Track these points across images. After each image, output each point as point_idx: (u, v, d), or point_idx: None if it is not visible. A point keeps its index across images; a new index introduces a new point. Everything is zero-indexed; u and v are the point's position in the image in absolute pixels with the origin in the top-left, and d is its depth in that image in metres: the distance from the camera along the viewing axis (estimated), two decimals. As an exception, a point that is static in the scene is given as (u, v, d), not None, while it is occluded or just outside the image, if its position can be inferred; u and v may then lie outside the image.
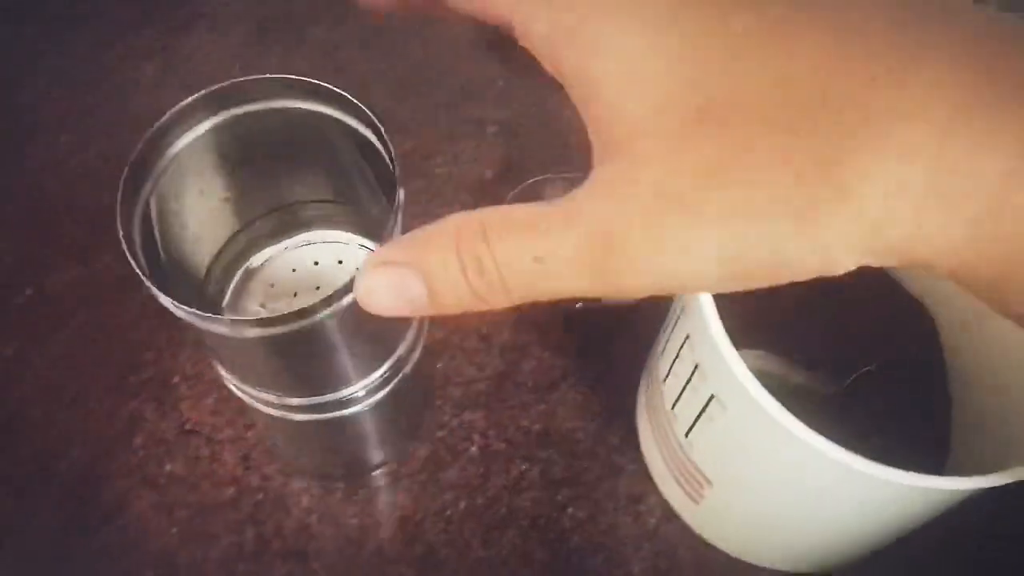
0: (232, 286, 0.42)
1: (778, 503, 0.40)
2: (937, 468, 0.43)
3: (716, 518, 0.45)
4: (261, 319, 0.30)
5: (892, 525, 0.39)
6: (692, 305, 0.37)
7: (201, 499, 0.47)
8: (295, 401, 0.38)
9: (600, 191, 0.21)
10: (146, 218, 0.33)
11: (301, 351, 0.34)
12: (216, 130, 0.35)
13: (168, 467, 0.48)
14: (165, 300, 0.30)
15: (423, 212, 0.55)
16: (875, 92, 0.19)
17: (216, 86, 0.34)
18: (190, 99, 0.33)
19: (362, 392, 0.38)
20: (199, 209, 0.38)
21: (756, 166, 0.20)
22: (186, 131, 0.34)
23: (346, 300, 0.31)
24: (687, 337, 0.38)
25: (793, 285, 0.21)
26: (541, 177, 0.55)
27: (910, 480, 0.32)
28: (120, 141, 0.35)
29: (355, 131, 0.35)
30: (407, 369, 0.40)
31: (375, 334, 0.37)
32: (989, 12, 0.20)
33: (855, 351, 0.46)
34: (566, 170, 0.55)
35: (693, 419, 0.39)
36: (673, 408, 0.41)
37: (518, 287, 0.22)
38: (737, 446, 0.38)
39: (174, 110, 0.33)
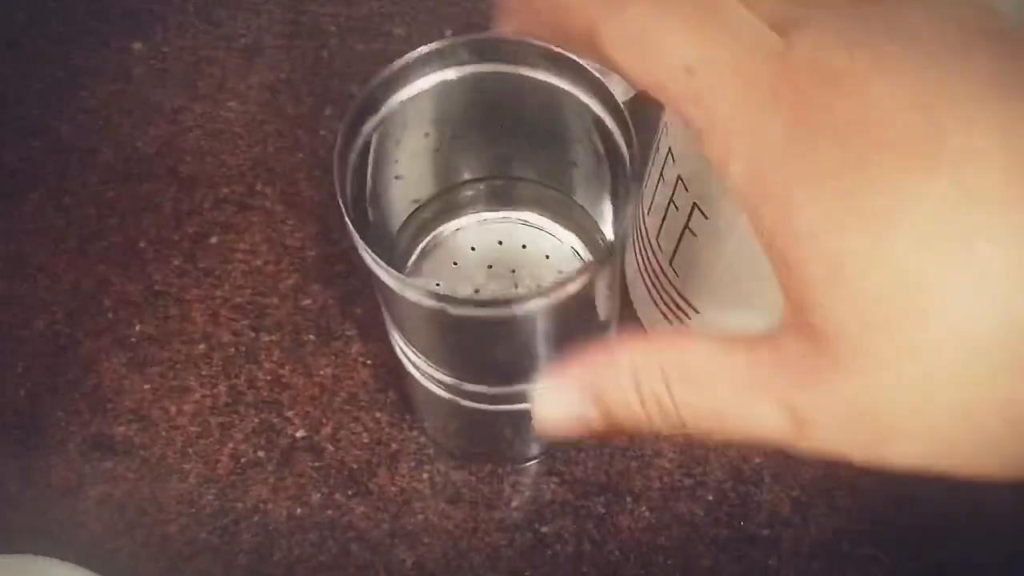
0: (417, 251, 0.41)
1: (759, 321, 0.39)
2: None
3: None
4: (474, 299, 0.30)
5: None
6: (675, 118, 0.36)
7: (172, 356, 0.47)
8: (470, 387, 0.36)
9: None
10: (359, 166, 0.32)
11: (497, 339, 0.33)
12: (446, 84, 0.33)
13: (138, 327, 0.48)
14: (370, 258, 0.29)
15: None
16: None
17: (459, 38, 0.32)
18: (424, 49, 0.32)
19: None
20: (408, 163, 0.37)
21: None
22: (417, 79, 0.33)
23: (565, 292, 0.30)
24: (668, 151, 0.37)
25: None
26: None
27: None
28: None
29: (592, 113, 0.33)
30: None
31: (572, 334, 0.35)
32: None
33: None
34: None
35: (676, 240, 0.38)
36: (658, 238, 0.40)
37: (697, 423, 0.22)
38: (719, 258, 0.37)
39: (410, 56, 0.32)
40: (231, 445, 0.45)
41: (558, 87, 0.33)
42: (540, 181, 0.40)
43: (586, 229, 0.40)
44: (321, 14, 0.56)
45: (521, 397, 0.37)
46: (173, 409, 0.46)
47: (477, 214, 0.42)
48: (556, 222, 0.41)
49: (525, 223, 0.41)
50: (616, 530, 0.44)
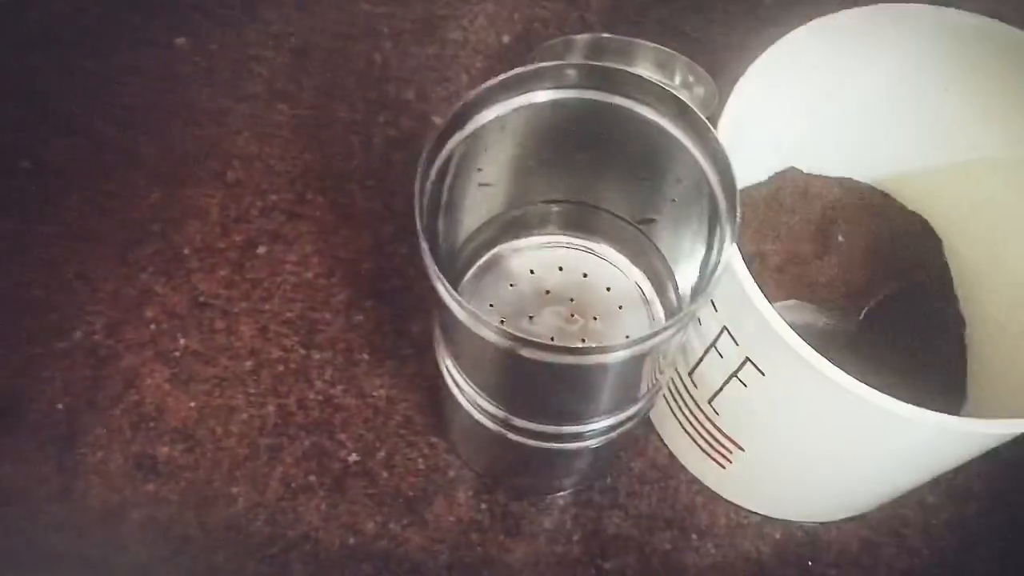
0: (475, 267, 0.39)
1: (814, 457, 0.38)
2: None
3: (745, 479, 0.42)
4: (554, 346, 0.28)
5: (922, 468, 0.38)
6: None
7: (219, 372, 0.45)
8: (520, 423, 0.35)
9: None
10: (436, 180, 0.31)
11: (561, 382, 0.31)
12: (537, 106, 0.32)
13: (183, 341, 0.46)
14: (444, 289, 0.28)
15: (439, 78, 0.52)
16: None
17: (565, 63, 0.31)
18: (511, 73, 0.31)
19: (598, 429, 0.35)
20: (490, 176, 0.35)
21: None
22: (498, 104, 0.32)
23: (648, 345, 0.28)
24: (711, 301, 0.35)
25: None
26: (559, 39, 0.52)
27: (963, 426, 0.31)
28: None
29: (695, 160, 0.32)
30: (637, 418, 0.37)
31: (631, 384, 0.34)
32: None
33: (870, 282, 0.45)
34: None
35: (720, 385, 0.37)
36: (691, 374, 0.39)
37: None
38: (773, 407, 0.36)
39: (493, 82, 0.31)
40: (281, 469, 0.43)
41: (664, 128, 0.32)
42: (619, 215, 0.38)
43: (656, 272, 0.38)
44: (374, 14, 0.54)
45: (571, 437, 0.36)
46: (220, 429, 0.44)
47: (541, 236, 0.40)
48: (626, 256, 0.39)
49: (590, 252, 0.39)
50: (682, 568, 0.43)
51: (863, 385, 0.30)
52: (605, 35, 0.50)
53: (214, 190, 0.49)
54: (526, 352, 0.28)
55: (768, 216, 0.45)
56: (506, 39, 0.54)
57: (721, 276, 0.29)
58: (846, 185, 0.47)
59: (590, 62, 0.31)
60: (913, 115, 0.43)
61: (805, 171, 0.46)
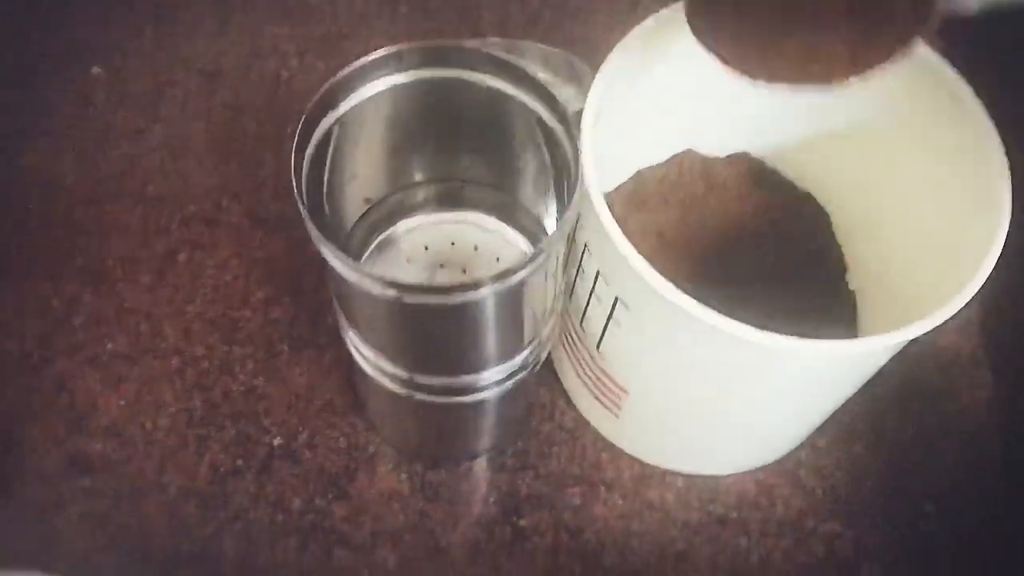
0: (370, 249, 0.42)
1: (694, 400, 0.41)
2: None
3: (636, 428, 0.45)
4: (432, 287, 0.31)
5: (805, 407, 0.41)
6: (588, 213, 0.36)
7: (146, 371, 0.48)
8: (422, 379, 0.37)
9: None
10: (315, 163, 0.34)
11: (451, 326, 0.34)
12: (399, 88, 0.36)
13: (110, 345, 0.48)
14: (326, 248, 0.31)
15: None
16: None
17: (412, 44, 0.35)
18: (381, 52, 0.34)
19: (492, 379, 0.38)
20: (363, 162, 0.38)
21: None
22: (368, 84, 0.35)
23: (514, 279, 0.31)
24: (585, 247, 0.39)
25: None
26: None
27: (821, 347, 0.33)
28: None
29: (539, 119, 0.35)
30: (527, 369, 0.40)
31: (518, 322, 0.37)
32: None
33: (761, 255, 0.48)
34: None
35: (601, 329, 0.40)
36: (581, 324, 0.42)
37: None
38: (646, 346, 0.39)
39: (363, 61, 0.34)
40: (209, 456, 0.46)
41: (506, 93, 0.36)
42: (489, 184, 0.42)
43: (531, 231, 0.42)
44: (280, 35, 0.58)
45: (471, 388, 0.39)
46: (149, 424, 0.46)
47: (430, 215, 0.43)
48: (506, 224, 0.43)
49: (477, 225, 0.43)
50: (592, 519, 0.46)
51: (711, 311, 0.33)
52: (493, 39, 0.54)
53: (134, 205, 0.52)
54: (408, 298, 0.31)
55: (663, 193, 0.49)
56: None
57: (574, 210, 0.32)
58: (738, 162, 0.50)
59: (445, 41, 0.35)
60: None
61: (703, 152, 0.49)
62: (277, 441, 0.46)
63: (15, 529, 0.44)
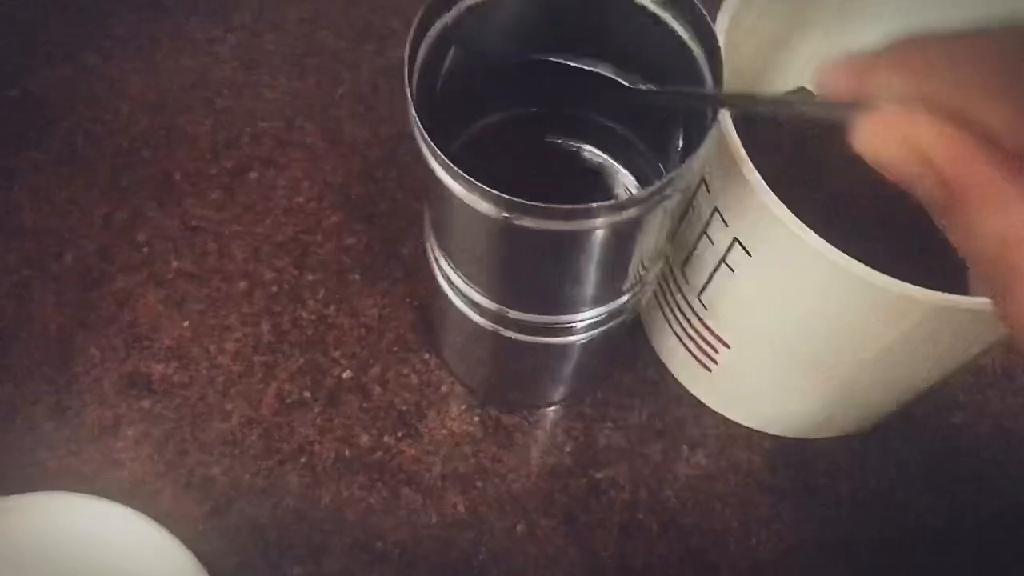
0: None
1: (803, 355, 0.38)
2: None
3: (730, 384, 0.43)
4: (547, 208, 0.27)
5: (917, 369, 0.37)
6: (714, 149, 0.33)
7: (212, 293, 0.45)
8: (513, 314, 0.35)
9: None
10: (425, 72, 0.31)
11: (556, 259, 0.31)
12: None
13: (175, 263, 0.46)
14: (431, 154, 0.28)
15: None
16: None
17: None
18: None
19: (585, 322, 0.36)
20: (477, 79, 0.35)
21: None
22: None
23: (633, 211, 0.28)
24: (703, 181, 0.35)
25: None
26: None
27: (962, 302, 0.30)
28: None
29: (681, 41, 0.31)
30: (623, 316, 0.37)
31: (624, 263, 0.34)
32: None
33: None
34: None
35: (708, 275, 0.37)
36: (683, 268, 0.39)
37: None
38: (761, 294, 0.36)
39: None
40: (275, 385, 0.44)
41: (650, 10, 0.32)
42: (612, 117, 0.38)
43: (645, 176, 0.39)
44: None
45: (562, 330, 0.36)
46: (213, 348, 0.44)
47: (540, 142, 0.40)
48: (620, 164, 0.39)
49: (591, 152, 0.39)
50: (673, 477, 0.43)
51: (853, 261, 0.30)
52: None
53: (203, 117, 0.49)
54: (519, 220, 0.28)
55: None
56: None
57: (711, 142, 0.29)
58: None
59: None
60: None
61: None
62: (346, 374, 0.44)
63: (70, 450, 0.42)
